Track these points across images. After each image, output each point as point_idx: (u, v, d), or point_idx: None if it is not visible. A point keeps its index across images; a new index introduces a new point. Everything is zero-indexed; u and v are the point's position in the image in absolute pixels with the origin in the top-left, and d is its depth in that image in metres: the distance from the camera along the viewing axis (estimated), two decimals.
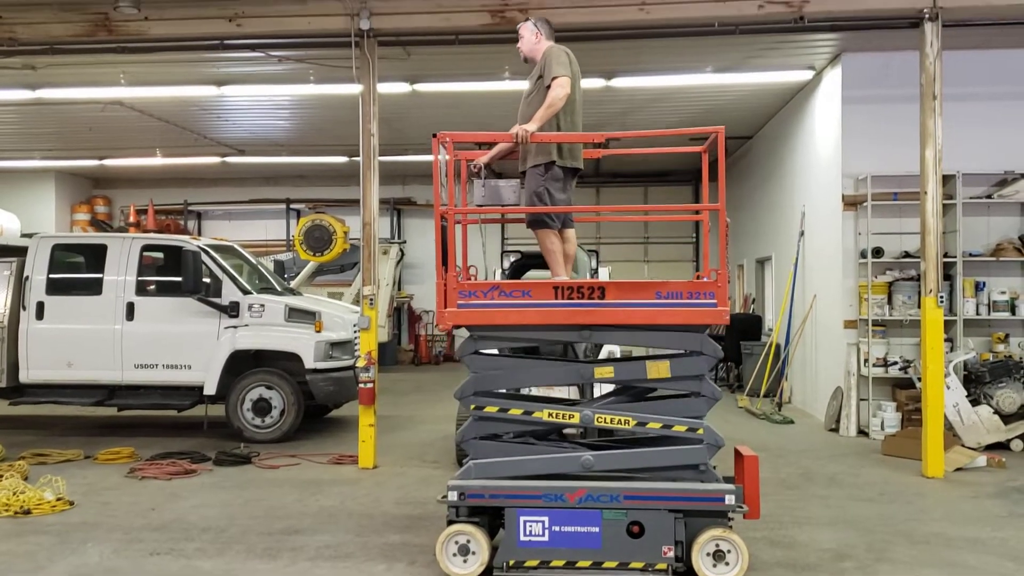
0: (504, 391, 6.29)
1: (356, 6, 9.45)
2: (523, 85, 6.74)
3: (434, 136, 5.97)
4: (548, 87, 6.24)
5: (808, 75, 12.66)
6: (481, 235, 7.26)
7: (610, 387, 6.73)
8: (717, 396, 5.90)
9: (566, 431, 7.18)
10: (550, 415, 5.94)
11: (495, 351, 6.32)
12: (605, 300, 5.81)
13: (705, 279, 5.93)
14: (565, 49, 6.46)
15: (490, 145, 6.78)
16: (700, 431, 5.78)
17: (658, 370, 5.88)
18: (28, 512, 7.51)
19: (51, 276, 11.18)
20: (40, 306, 11.08)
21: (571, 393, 8.14)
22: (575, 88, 6.37)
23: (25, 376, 11.10)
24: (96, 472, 9.29)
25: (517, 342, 6.37)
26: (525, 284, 6.00)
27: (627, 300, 5.80)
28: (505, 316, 5.88)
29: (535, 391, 7.52)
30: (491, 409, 5.96)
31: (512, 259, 10.71)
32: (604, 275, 9.93)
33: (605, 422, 5.89)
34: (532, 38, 6.66)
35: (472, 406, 5.96)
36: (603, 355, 8.73)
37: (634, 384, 6.17)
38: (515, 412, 5.94)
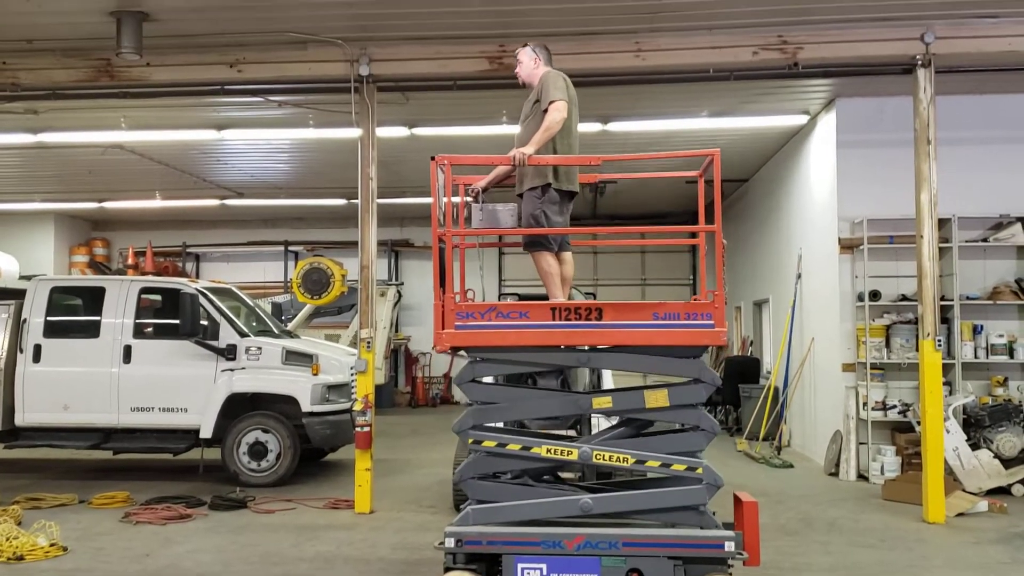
0: (502, 425, 6.28)
1: (356, 53, 9.57)
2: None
3: (432, 159, 6.04)
4: (545, 111, 6.32)
5: (803, 119, 12.77)
6: (479, 258, 7.30)
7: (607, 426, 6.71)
8: (716, 430, 5.88)
9: (563, 473, 7.16)
10: (548, 451, 5.91)
11: (492, 378, 6.31)
12: (603, 321, 5.82)
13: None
14: (562, 74, 6.54)
15: (488, 168, 6.85)
16: (699, 470, 5.75)
17: (656, 399, 5.86)
18: (21, 558, 7.43)
19: (49, 319, 11.19)
20: (37, 349, 11.06)
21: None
22: (571, 112, 6.45)
23: (21, 419, 11.05)
24: (90, 517, 9.21)
25: (516, 365, 6.34)
26: (523, 305, 6.00)
27: (624, 321, 5.82)
28: (503, 337, 5.89)
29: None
30: (489, 444, 5.94)
31: (510, 301, 10.72)
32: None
33: (603, 459, 5.86)
34: (531, 63, 6.76)
35: (470, 440, 5.94)
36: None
37: (633, 416, 6.13)
38: (513, 447, 5.92)
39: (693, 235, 6.74)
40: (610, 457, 5.84)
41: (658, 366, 6.00)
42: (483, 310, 5.94)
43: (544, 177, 6.37)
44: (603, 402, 6.01)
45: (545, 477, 6.41)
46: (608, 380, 9.63)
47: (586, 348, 6.11)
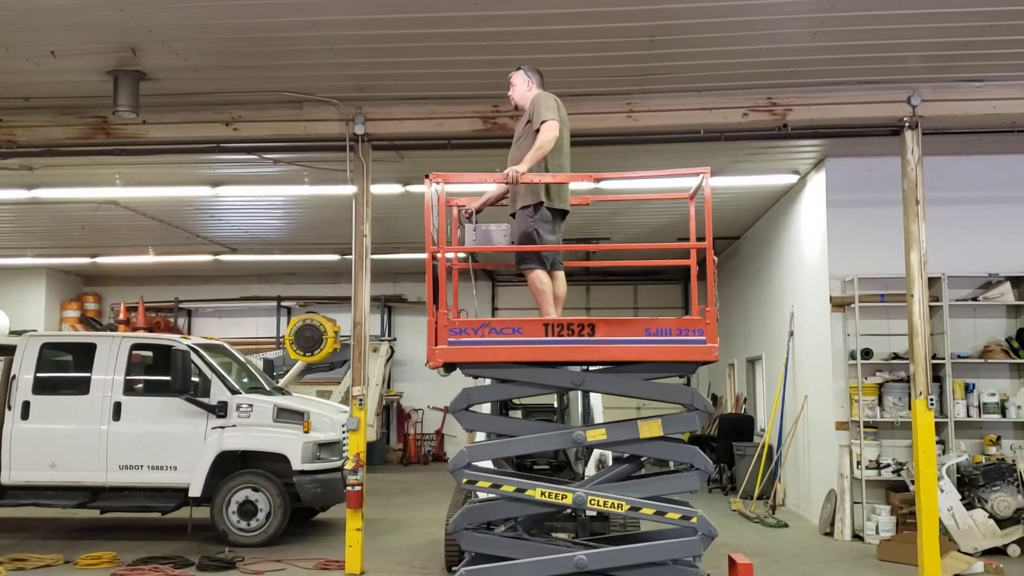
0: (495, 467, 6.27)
1: (351, 112, 9.68)
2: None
3: (426, 176, 6.10)
4: (537, 131, 6.40)
5: (793, 179, 12.90)
6: (471, 279, 7.29)
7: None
8: (710, 469, 5.87)
9: (557, 533, 7.09)
10: (543, 494, 5.87)
11: (487, 408, 6.29)
12: (595, 337, 5.83)
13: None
14: (553, 95, 6.65)
15: (481, 189, 6.93)
16: (694, 519, 5.71)
17: (650, 429, 5.86)
18: None
19: (38, 375, 11.11)
20: (26, 406, 10.96)
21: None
22: (563, 132, 6.55)
23: (7, 478, 10.89)
24: None
25: (511, 389, 6.30)
26: (515, 321, 6.02)
27: (617, 337, 5.83)
28: (495, 353, 5.90)
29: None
30: (484, 484, 5.91)
31: None
32: (596, 398, 9.98)
33: (598, 504, 5.82)
34: (523, 86, 6.89)
35: (464, 480, 5.91)
36: (593, 461, 8.66)
37: (627, 450, 6.09)
38: (508, 489, 5.88)
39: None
40: (605, 503, 5.79)
41: (651, 391, 6.00)
42: (476, 326, 5.97)
43: (536, 196, 6.47)
44: (597, 434, 5.99)
45: (537, 532, 6.37)
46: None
47: (580, 369, 6.13)
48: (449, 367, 6.18)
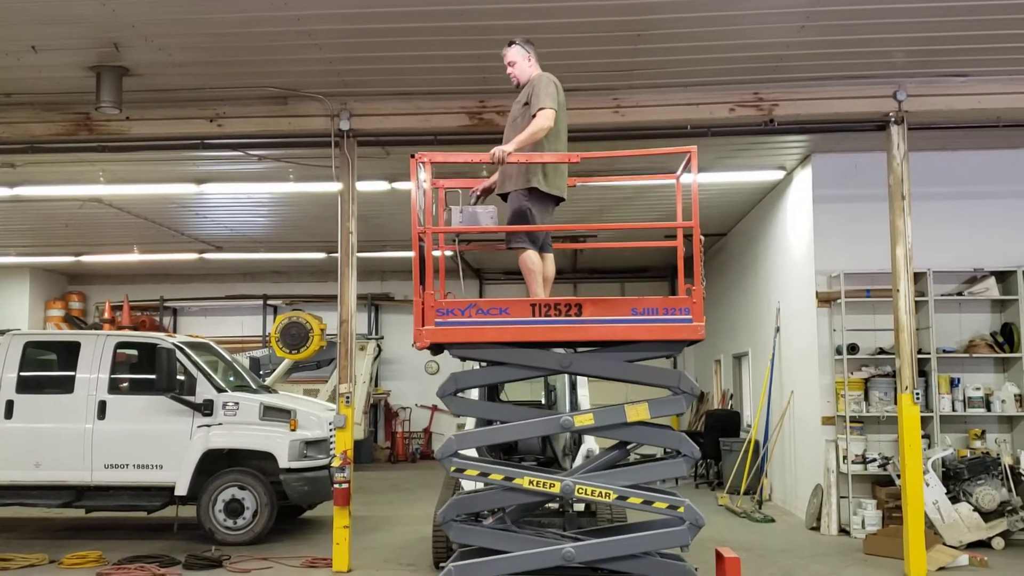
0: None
1: (336, 108, 9.64)
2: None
3: (412, 156, 6.06)
4: (534, 115, 6.29)
5: (779, 175, 12.93)
6: (458, 270, 7.22)
7: None
8: (696, 455, 5.86)
9: (542, 526, 7.09)
10: (531, 483, 5.85)
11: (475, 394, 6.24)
12: (582, 317, 5.82)
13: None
14: (553, 79, 6.51)
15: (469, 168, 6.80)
16: (681, 509, 5.70)
17: (637, 413, 5.84)
18: None
19: (22, 374, 11.02)
20: (9, 405, 10.87)
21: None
22: (560, 117, 6.44)
23: None
24: None
25: (500, 373, 6.26)
26: (502, 302, 5.99)
27: (604, 317, 5.82)
28: (483, 334, 5.87)
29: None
30: (472, 472, 5.89)
31: None
32: (583, 392, 9.98)
33: (586, 493, 5.80)
34: (524, 62, 6.68)
35: (452, 468, 5.88)
36: (581, 456, 8.65)
37: (614, 434, 6.09)
38: (496, 477, 5.86)
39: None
40: (592, 491, 5.77)
41: (638, 374, 6.01)
42: (463, 307, 5.93)
43: (528, 180, 6.36)
44: (585, 419, 5.98)
45: (526, 520, 6.36)
46: (592, 444, 9.61)
47: (564, 352, 6.11)
48: (436, 349, 6.14)
